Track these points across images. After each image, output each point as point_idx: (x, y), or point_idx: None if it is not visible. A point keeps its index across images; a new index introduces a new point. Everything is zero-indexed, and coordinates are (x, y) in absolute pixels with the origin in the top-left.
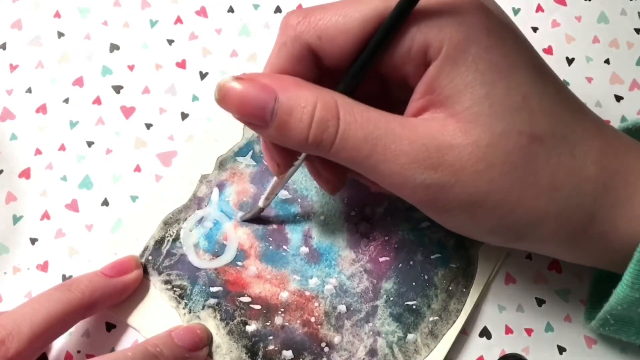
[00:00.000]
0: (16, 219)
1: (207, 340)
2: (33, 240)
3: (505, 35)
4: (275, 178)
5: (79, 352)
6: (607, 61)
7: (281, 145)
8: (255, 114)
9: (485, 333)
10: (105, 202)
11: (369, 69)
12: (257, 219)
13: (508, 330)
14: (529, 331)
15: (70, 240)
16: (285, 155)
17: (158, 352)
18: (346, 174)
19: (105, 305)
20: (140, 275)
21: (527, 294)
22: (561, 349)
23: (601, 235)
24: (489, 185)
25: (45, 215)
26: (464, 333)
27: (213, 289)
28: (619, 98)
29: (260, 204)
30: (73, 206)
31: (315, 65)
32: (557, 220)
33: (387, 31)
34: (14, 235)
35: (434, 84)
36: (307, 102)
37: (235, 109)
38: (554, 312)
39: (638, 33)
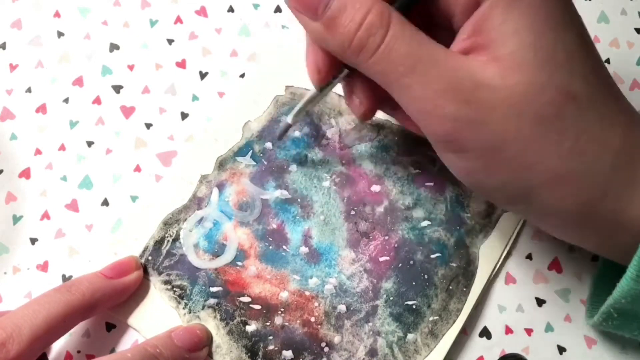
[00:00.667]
0: (16, 219)
1: (207, 341)
2: (33, 240)
3: None
4: (308, 94)
5: (79, 352)
6: (607, 61)
7: (322, 45)
8: (309, 2)
9: (485, 333)
10: (105, 202)
11: None
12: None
13: (508, 330)
14: (529, 331)
15: (70, 240)
16: (328, 62)
17: (158, 352)
18: (378, 100)
19: (106, 306)
20: (141, 276)
21: (527, 294)
22: (561, 349)
23: (613, 212)
24: (515, 133)
25: (45, 215)
26: (464, 333)
27: (213, 289)
28: None
29: (289, 120)
30: (73, 206)
31: None
32: (572, 185)
33: None
34: (14, 235)
35: (483, 24)
36: (362, 4)
37: None
38: (554, 312)
39: (638, 33)
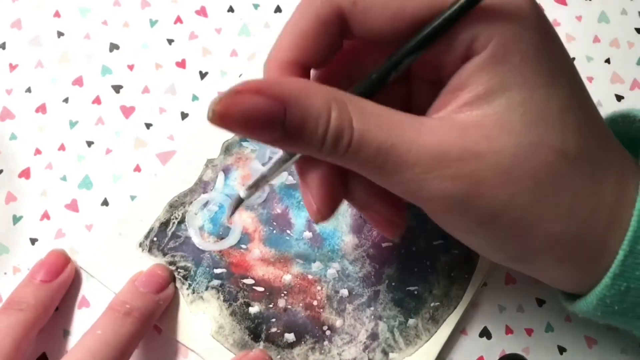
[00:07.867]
0: (16, 219)
1: (170, 278)
2: (33, 240)
3: (554, 39)
4: (261, 171)
5: None
6: (607, 61)
7: (291, 149)
8: (262, 127)
9: (485, 333)
10: (105, 202)
11: (400, 72)
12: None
13: (508, 330)
14: (529, 331)
15: (70, 240)
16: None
17: (128, 308)
18: (337, 204)
19: (52, 310)
20: (74, 268)
21: (527, 294)
22: (561, 349)
23: (607, 268)
24: (509, 201)
25: (45, 215)
26: (464, 333)
27: (217, 271)
28: (619, 98)
29: (242, 194)
30: (73, 206)
31: (340, 36)
32: (570, 246)
33: (436, 32)
34: (14, 235)
35: (470, 79)
36: (319, 113)
37: (240, 127)
38: (554, 312)
39: (639, 32)
